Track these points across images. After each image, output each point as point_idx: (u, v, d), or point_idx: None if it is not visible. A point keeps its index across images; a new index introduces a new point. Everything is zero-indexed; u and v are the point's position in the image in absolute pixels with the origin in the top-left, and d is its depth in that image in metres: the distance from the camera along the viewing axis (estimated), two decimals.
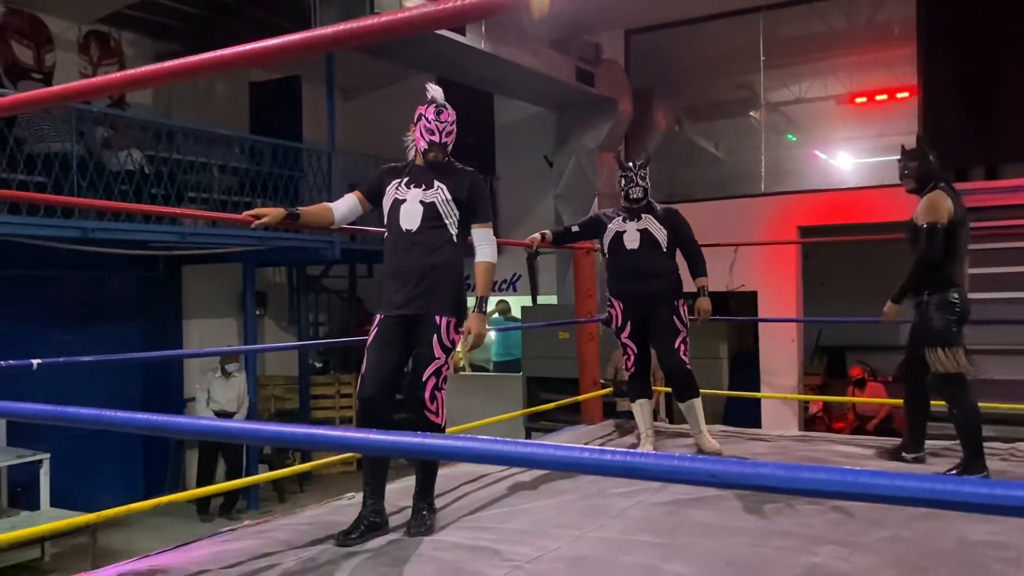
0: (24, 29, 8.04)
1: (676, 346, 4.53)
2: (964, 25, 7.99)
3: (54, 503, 7.25)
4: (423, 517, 3.32)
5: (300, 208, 3.51)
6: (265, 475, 7.05)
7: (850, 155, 10.27)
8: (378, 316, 3.35)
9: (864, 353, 10.19)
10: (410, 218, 3.28)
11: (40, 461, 7.07)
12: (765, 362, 8.99)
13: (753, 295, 8.99)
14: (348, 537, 3.16)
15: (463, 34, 6.87)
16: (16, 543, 6.73)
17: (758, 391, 8.91)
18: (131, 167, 6.88)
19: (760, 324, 9.10)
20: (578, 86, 8.48)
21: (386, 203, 3.37)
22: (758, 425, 8.64)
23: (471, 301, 3.36)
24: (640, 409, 4.82)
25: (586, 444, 5.23)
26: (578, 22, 9.05)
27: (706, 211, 9.02)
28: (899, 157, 4.28)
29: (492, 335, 11.30)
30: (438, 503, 3.65)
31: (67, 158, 6.19)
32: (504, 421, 7.10)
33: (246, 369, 8.76)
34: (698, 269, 4.66)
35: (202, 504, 8.30)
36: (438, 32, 6.71)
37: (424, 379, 3.25)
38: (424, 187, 3.30)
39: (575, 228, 4.93)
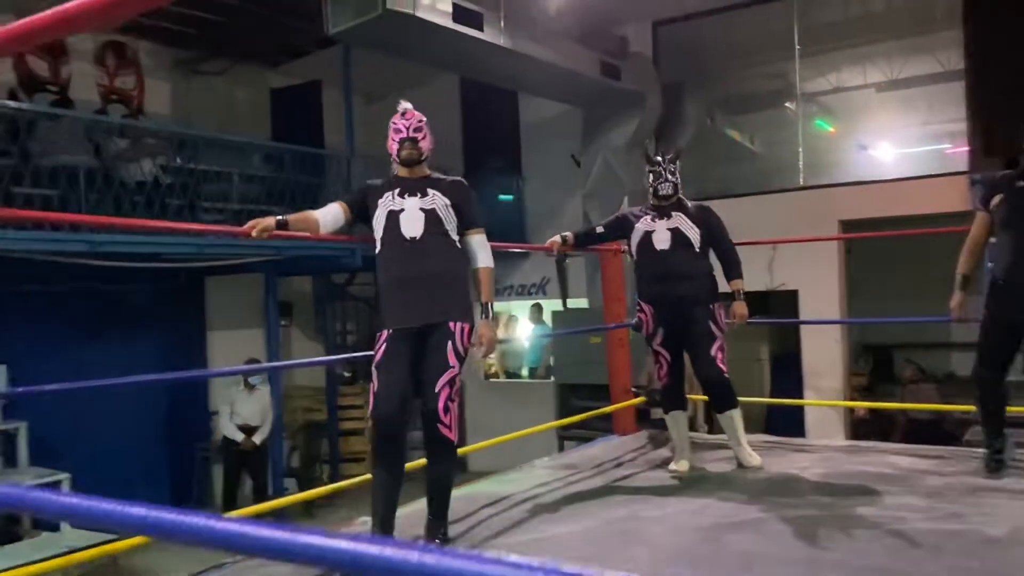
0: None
1: (713, 353, 4.21)
2: (1015, 4, 7.51)
3: (77, 524, 7.11)
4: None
5: (290, 216, 3.33)
6: (292, 497, 6.82)
7: (893, 145, 9.82)
8: (384, 332, 3.15)
9: (914, 351, 9.71)
10: (413, 225, 3.16)
11: (59, 482, 6.91)
12: (808, 364, 8.58)
13: (793, 294, 8.58)
14: None
15: (480, 30, 6.59)
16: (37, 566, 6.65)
17: (801, 394, 8.51)
18: (142, 178, 6.72)
19: (803, 324, 8.68)
20: (603, 81, 8.16)
21: (379, 215, 3.23)
22: (802, 431, 8.25)
23: (477, 308, 3.25)
24: (674, 422, 4.51)
25: (618, 457, 4.94)
26: (603, 15, 8.72)
27: (742, 207, 8.64)
28: None
29: (525, 343, 11.03)
30: (454, 529, 3.39)
31: (76, 170, 6.02)
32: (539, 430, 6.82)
33: (271, 382, 8.57)
34: (733, 270, 4.36)
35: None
36: (455, 29, 6.45)
37: (437, 389, 3.05)
38: (419, 195, 3.21)
39: (600, 229, 4.62)
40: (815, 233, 8.13)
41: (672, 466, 4.44)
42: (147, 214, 6.51)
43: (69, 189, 6.00)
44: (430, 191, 3.21)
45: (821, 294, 8.41)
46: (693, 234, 4.22)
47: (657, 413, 6.43)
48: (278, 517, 8.55)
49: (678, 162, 4.36)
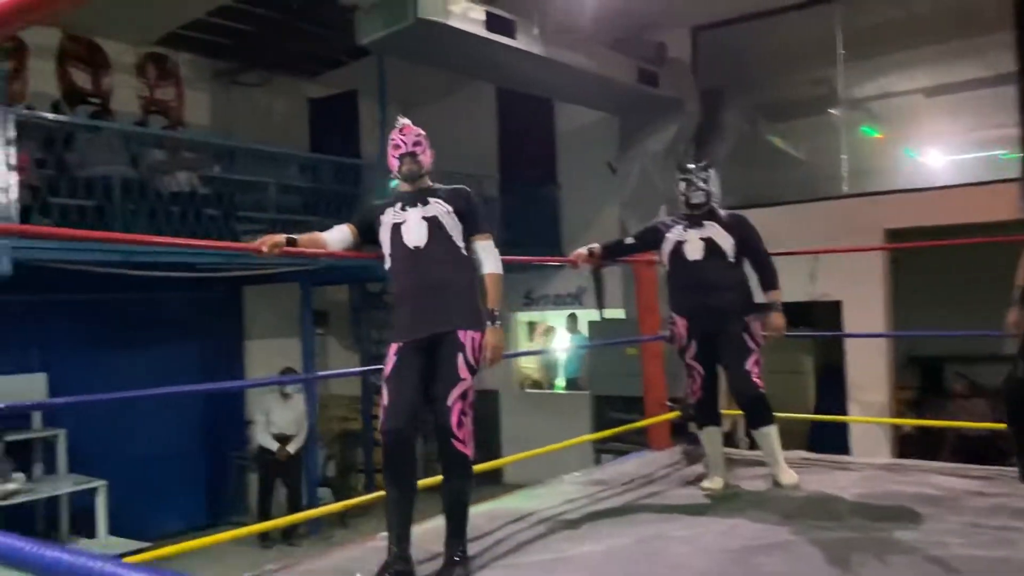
0: (82, 54, 8.08)
1: (748, 367, 4.05)
2: None
3: (115, 530, 7.18)
4: (454, 565, 2.97)
5: (299, 236, 3.30)
6: (325, 508, 6.81)
7: (942, 151, 9.51)
8: (394, 345, 3.10)
9: (964, 364, 9.38)
10: (415, 235, 3.11)
11: (95, 489, 6.97)
12: (852, 377, 8.32)
13: (837, 305, 8.34)
14: None
15: (513, 38, 6.53)
16: None
17: (846, 408, 8.26)
18: (178, 189, 6.78)
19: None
20: (640, 87, 8.04)
21: (384, 231, 3.20)
22: (846, 447, 8.00)
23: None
24: (708, 438, 4.36)
25: (650, 473, 4.81)
26: (641, 21, 8.61)
27: (784, 215, 8.46)
28: None
29: (561, 353, 10.91)
30: (477, 546, 3.30)
31: (110, 181, 6.09)
32: (575, 443, 6.71)
33: (306, 391, 8.58)
34: (769, 281, 4.19)
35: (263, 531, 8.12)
36: (487, 37, 6.40)
37: (449, 403, 2.96)
38: (420, 205, 3.16)
39: (629, 240, 4.51)
40: (859, 242, 7.90)
41: (705, 483, 4.30)
42: (182, 225, 6.55)
43: (105, 199, 6.06)
44: (431, 200, 3.17)
45: (866, 305, 8.16)
46: (726, 243, 4.10)
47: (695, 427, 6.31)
48: (313, 526, 8.56)
49: (711, 170, 4.24)
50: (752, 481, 4.38)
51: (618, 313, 9.09)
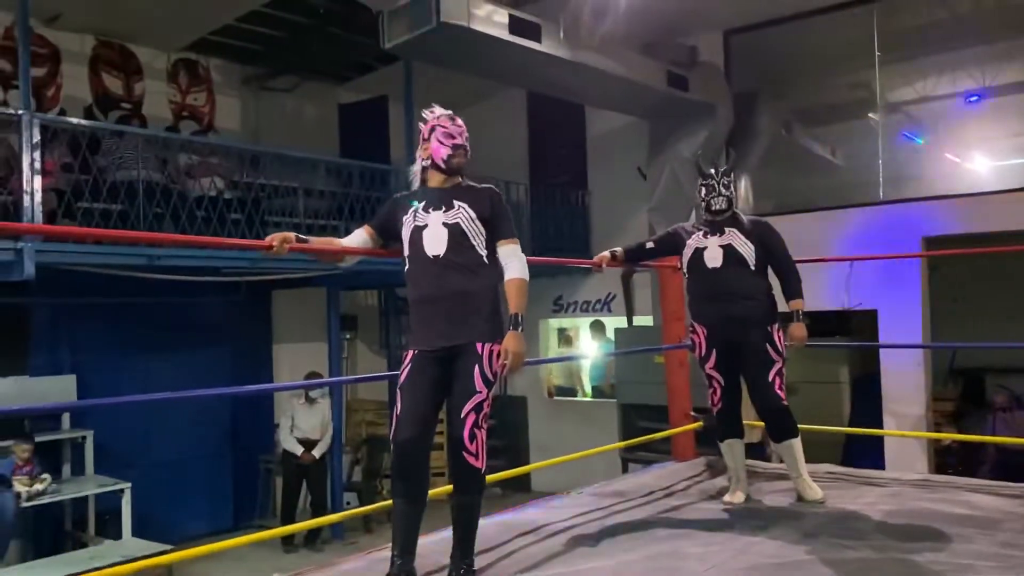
0: (114, 60, 8.18)
1: (770, 379, 3.95)
2: None
3: (140, 531, 7.23)
4: None
5: (310, 239, 3.24)
6: (349, 512, 6.81)
7: (986, 157, 9.23)
8: (410, 352, 3.02)
9: (1007, 376, 9.07)
10: (435, 243, 2.98)
11: (121, 491, 7.03)
12: (888, 388, 8.08)
13: (872, 314, 8.12)
14: None
15: (539, 41, 6.46)
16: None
17: (882, 420, 8.03)
18: (203, 192, 6.81)
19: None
20: (669, 92, 7.91)
21: (405, 232, 3.07)
22: (881, 460, 7.78)
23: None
24: (729, 450, 4.24)
25: (671, 485, 4.69)
26: (672, 25, 8.50)
27: (819, 222, 8.29)
28: None
29: (587, 362, 10.80)
30: (486, 558, 3.23)
31: (134, 184, 6.14)
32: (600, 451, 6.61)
33: (331, 396, 8.58)
34: (791, 289, 4.06)
35: (287, 535, 8.12)
36: (512, 41, 6.34)
37: (463, 415, 2.88)
38: (444, 208, 3.02)
39: (650, 244, 4.40)
40: (896, 249, 7.69)
41: (726, 498, 4.19)
42: (207, 229, 6.58)
43: (129, 204, 6.11)
44: (456, 203, 3.03)
45: (902, 315, 7.93)
46: (747, 251, 3.98)
47: None
48: (336, 531, 8.55)
49: (732, 175, 4.12)
50: (775, 496, 4.24)
51: (647, 320, 8.95)
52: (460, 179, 3.13)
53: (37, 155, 5.43)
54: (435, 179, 3.11)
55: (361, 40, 8.48)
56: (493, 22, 6.19)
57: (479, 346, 2.93)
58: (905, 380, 8.00)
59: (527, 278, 3.08)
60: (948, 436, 7.90)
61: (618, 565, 3.19)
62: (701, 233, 4.10)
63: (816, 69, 9.51)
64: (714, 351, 4.08)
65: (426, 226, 3.01)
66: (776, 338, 3.99)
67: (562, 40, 6.70)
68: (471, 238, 3.00)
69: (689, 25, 8.73)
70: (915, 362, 7.98)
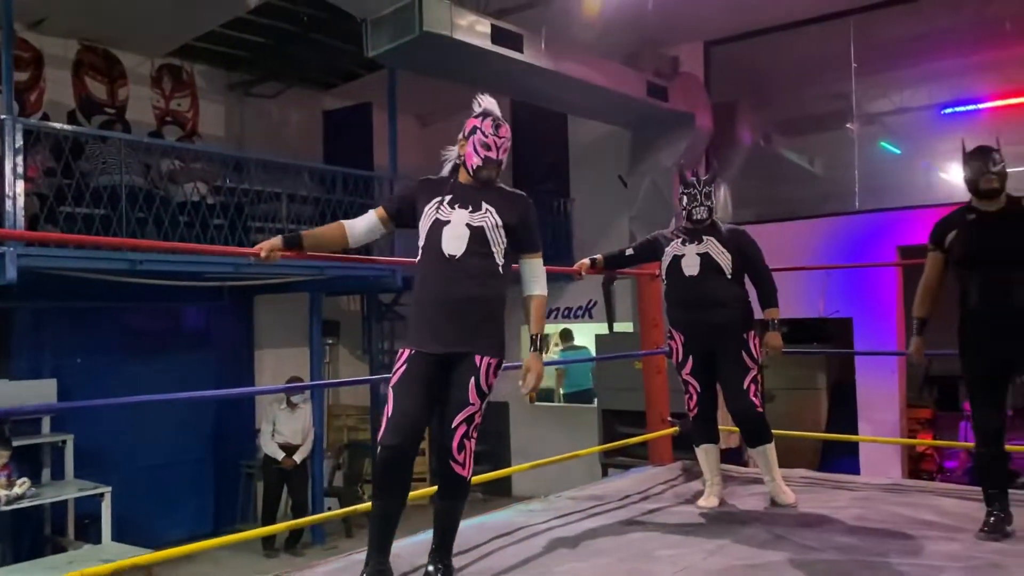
0: (98, 64, 8.19)
1: (745, 386, 4.02)
2: None
3: (121, 536, 7.21)
4: (436, 574, 2.96)
5: (306, 231, 3.17)
6: (329, 514, 6.82)
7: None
8: (406, 351, 2.93)
9: None
10: (454, 243, 2.90)
11: (102, 495, 7.02)
12: (863, 395, 8.21)
13: (848, 322, 8.25)
14: None
15: (520, 51, 6.54)
16: None
17: (858, 426, 8.15)
18: (187, 198, 6.84)
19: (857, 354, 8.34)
20: (650, 102, 8.01)
21: (424, 223, 2.98)
22: (857, 465, 7.89)
23: (525, 338, 3.07)
24: (705, 455, 4.32)
25: (647, 489, 4.76)
26: (653, 35, 8.60)
27: (797, 231, 8.41)
28: (994, 148, 3.61)
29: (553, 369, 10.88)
30: (463, 559, 3.28)
31: (117, 189, 6.16)
32: (580, 457, 6.68)
33: (312, 401, 8.60)
34: (767, 298, 4.13)
35: (267, 539, 8.14)
36: (494, 50, 6.42)
37: (454, 426, 2.87)
38: (471, 208, 2.93)
39: (629, 251, 4.46)
40: (871, 258, 7.82)
41: (701, 502, 4.26)
42: (190, 234, 6.61)
43: (112, 209, 6.12)
44: (485, 205, 2.94)
45: (877, 323, 8.06)
46: (724, 259, 4.04)
47: None
48: (317, 536, 8.57)
49: (714, 185, 4.19)
50: (748, 499, 4.32)
51: (627, 327, 9.04)
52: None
53: (20, 160, 5.45)
54: (465, 176, 3.03)
55: (345, 47, 8.54)
56: (476, 32, 6.27)
57: (478, 358, 2.89)
58: (880, 387, 8.13)
59: (547, 295, 3.09)
60: (920, 442, 8.03)
61: (592, 568, 3.26)
62: (680, 241, 4.14)
63: (794, 80, 9.64)
64: (691, 357, 4.15)
65: (448, 222, 2.92)
66: (752, 346, 4.06)
67: (544, 50, 6.79)
68: (491, 245, 2.92)
69: (670, 36, 8.84)
70: (890, 370, 8.11)
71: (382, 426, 2.88)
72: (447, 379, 2.90)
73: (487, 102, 3.07)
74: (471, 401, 2.87)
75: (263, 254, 3.08)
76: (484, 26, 6.28)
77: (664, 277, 4.24)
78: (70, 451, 7.48)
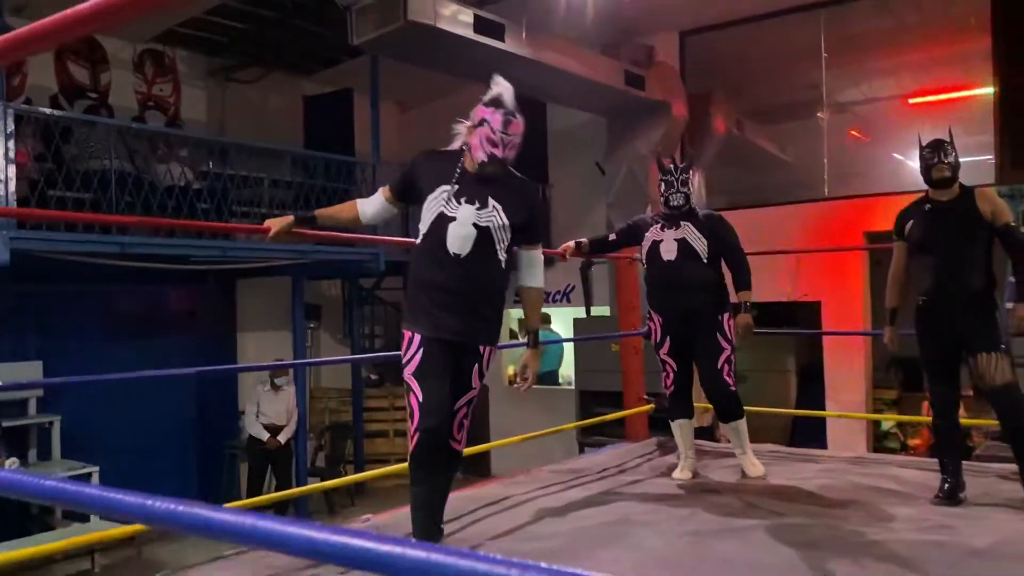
0: (80, 49, 8.21)
1: (720, 365, 4.21)
2: None
3: (105, 516, 7.33)
4: None
5: (320, 210, 3.25)
6: (313, 486, 7.02)
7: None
8: (417, 336, 2.92)
9: None
10: (460, 242, 2.86)
11: (89, 474, 7.14)
12: (830, 377, 8.51)
13: (816, 306, 8.53)
14: None
15: (502, 40, 6.70)
16: (68, 554, 6.90)
17: (825, 406, 8.45)
18: (174, 183, 6.94)
19: (825, 336, 8.63)
20: (627, 90, 8.21)
21: (429, 211, 2.93)
22: (824, 442, 8.19)
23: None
24: (680, 430, 4.53)
25: (624, 463, 4.99)
26: (630, 25, 8.79)
27: (768, 217, 8.65)
28: (947, 140, 3.85)
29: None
30: (453, 526, 3.50)
31: (106, 174, 6.26)
32: (558, 435, 6.90)
33: (295, 383, 8.75)
34: (741, 281, 4.29)
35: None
36: (476, 39, 6.57)
37: (455, 408, 2.97)
38: (478, 205, 2.87)
39: (612, 236, 4.65)
40: (840, 243, 8.09)
41: (675, 473, 4.48)
42: (177, 218, 6.72)
43: (101, 193, 6.22)
44: (492, 203, 2.87)
45: (844, 306, 8.35)
46: (700, 245, 4.20)
47: None
48: (301, 513, 8.74)
49: (691, 172, 4.34)
50: (720, 471, 4.56)
51: (604, 311, 9.27)
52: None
53: (11, 144, 5.54)
54: (472, 164, 2.93)
55: (327, 33, 8.64)
56: (458, 21, 6.42)
57: (482, 348, 2.98)
58: (847, 368, 8.43)
59: (544, 286, 3.10)
60: (884, 417, 8.35)
61: (574, 531, 3.47)
62: (659, 226, 4.29)
63: (767, 70, 9.88)
64: (668, 338, 4.33)
65: (454, 219, 2.87)
66: (727, 327, 4.24)
67: (525, 39, 6.95)
68: (496, 243, 2.90)
69: (647, 26, 9.03)
70: (856, 352, 8.41)
71: (415, 413, 2.88)
72: (455, 364, 2.96)
73: (500, 87, 2.95)
74: (473, 386, 2.99)
75: (271, 233, 3.13)
76: (467, 16, 6.43)
77: (644, 261, 4.40)
78: (57, 432, 7.57)
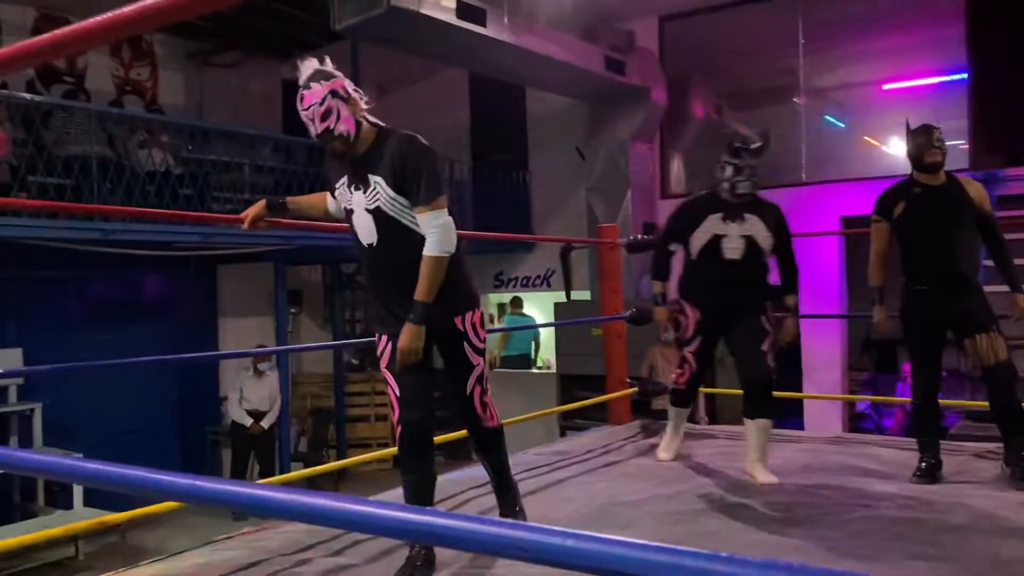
0: None
1: (764, 348, 3.83)
2: (1017, 4, 7.54)
3: (89, 503, 7.33)
4: (515, 516, 3.14)
5: (290, 198, 3.20)
6: (298, 473, 7.04)
7: (903, 141, 9.80)
8: (384, 336, 2.80)
9: None
10: (365, 232, 2.70)
11: None
12: (807, 358, 8.66)
13: None
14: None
15: (484, 26, 6.72)
16: (51, 541, 6.89)
17: (802, 386, 8.61)
18: (155, 168, 6.91)
19: (802, 319, 8.76)
20: (607, 75, 8.26)
21: (339, 209, 2.88)
22: (801, 422, 8.35)
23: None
24: (676, 414, 4.46)
25: (608, 444, 5.07)
26: (610, 10, 8.83)
27: None
28: (936, 126, 3.89)
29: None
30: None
31: (87, 161, 6.22)
32: (540, 420, 6.96)
33: (278, 368, 8.76)
34: (791, 283, 3.97)
35: None
36: (459, 25, 6.58)
37: (468, 391, 2.85)
38: (363, 188, 2.67)
39: (671, 247, 4.13)
40: (816, 228, 8.20)
41: (660, 453, 4.52)
42: (159, 204, 6.69)
43: (82, 179, 6.18)
44: (371, 177, 2.64)
45: (820, 289, 8.48)
46: (767, 243, 3.80)
47: (659, 404, 6.56)
48: None
49: (764, 151, 3.85)
50: (703, 452, 4.64)
51: (584, 295, 9.34)
52: (367, 144, 2.67)
53: None
54: (339, 149, 2.68)
55: (307, 17, 8.60)
56: (441, 7, 6.42)
57: (458, 321, 2.77)
58: (823, 350, 8.58)
59: (447, 253, 2.63)
60: (860, 398, 8.51)
61: (562, 510, 3.54)
62: (720, 216, 3.80)
63: (745, 55, 9.96)
64: (700, 338, 4.02)
65: (353, 211, 2.72)
66: (769, 314, 3.93)
67: (506, 25, 6.97)
68: (398, 218, 2.65)
69: (626, 11, 9.08)
70: (832, 334, 8.55)
71: (394, 408, 2.81)
72: (441, 353, 2.86)
73: (302, 67, 2.71)
74: (474, 363, 2.84)
75: (246, 224, 3.09)
76: (450, 1, 6.44)
77: (695, 255, 3.91)
78: (38, 419, 7.54)
